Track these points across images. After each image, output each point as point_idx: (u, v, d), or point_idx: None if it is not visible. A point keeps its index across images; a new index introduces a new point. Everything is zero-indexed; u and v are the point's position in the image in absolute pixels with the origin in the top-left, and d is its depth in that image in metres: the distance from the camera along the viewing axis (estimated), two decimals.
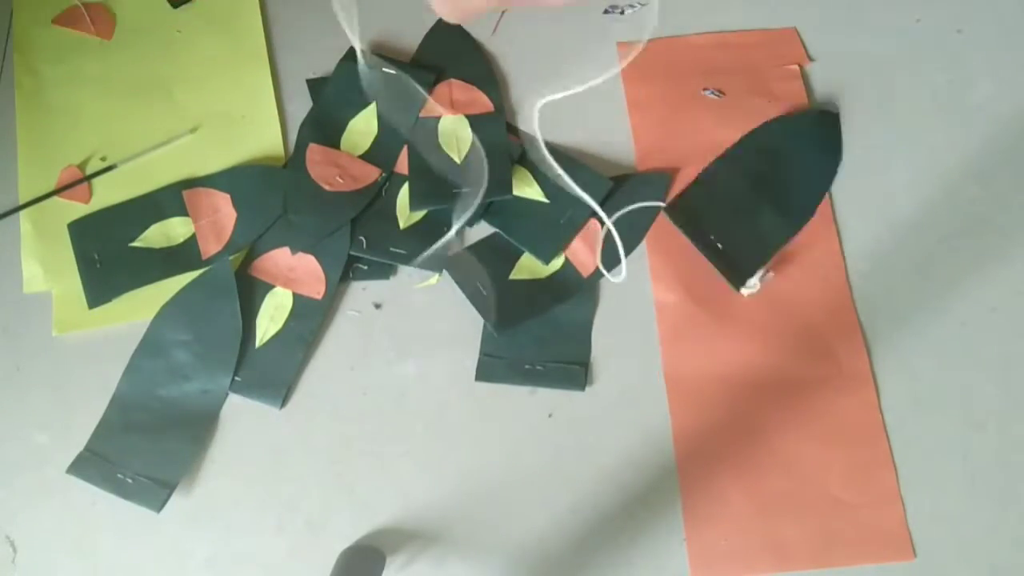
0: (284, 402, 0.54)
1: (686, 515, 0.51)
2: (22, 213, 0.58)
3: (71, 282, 0.56)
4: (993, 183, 0.57)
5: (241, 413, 0.54)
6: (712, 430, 0.53)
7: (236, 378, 0.54)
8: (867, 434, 0.52)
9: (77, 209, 0.58)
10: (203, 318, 0.55)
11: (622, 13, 0.60)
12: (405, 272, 0.56)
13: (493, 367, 0.54)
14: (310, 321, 0.55)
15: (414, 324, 0.55)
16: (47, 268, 0.57)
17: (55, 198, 0.58)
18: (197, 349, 0.54)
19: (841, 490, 0.51)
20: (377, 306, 0.56)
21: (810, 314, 0.55)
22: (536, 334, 0.54)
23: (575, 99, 0.57)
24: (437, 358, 0.54)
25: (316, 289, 0.55)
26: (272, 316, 0.55)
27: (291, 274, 0.56)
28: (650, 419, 0.53)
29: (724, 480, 0.52)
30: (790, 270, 0.55)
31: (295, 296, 0.55)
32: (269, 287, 0.56)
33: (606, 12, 0.61)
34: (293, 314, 0.55)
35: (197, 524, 0.52)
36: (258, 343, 0.55)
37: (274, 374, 0.54)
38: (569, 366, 0.54)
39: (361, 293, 0.56)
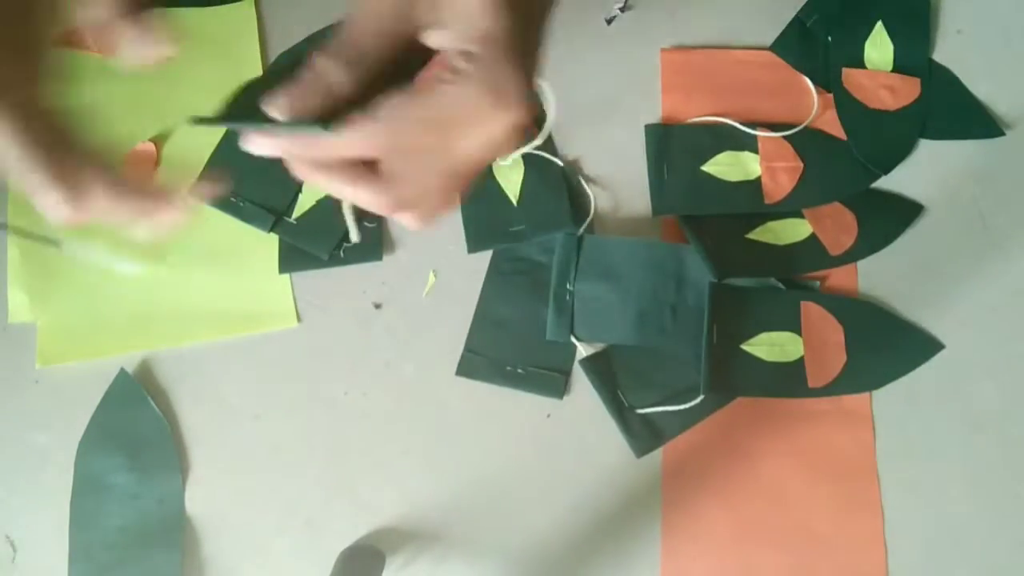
0: (330, 254, 0.55)
1: (664, 530, 0.51)
2: (9, 240, 0.56)
3: (56, 313, 0.55)
4: (993, 183, 0.57)
5: (240, 414, 0.54)
6: (702, 448, 0.53)
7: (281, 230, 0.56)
8: (858, 473, 0.52)
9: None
10: (126, 433, 0.53)
11: (623, 10, 0.60)
12: (404, 271, 0.56)
13: (474, 364, 0.54)
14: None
15: (414, 324, 0.55)
16: (33, 298, 0.55)
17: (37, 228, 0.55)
18: (134, 465, 0.52)
19: (824, 526, 0.51)
20: (377, 306, 0.55)
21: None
22: (523, 337, 0.54)
23: (607, 107, 0.58)
24: (437, 358, 0.54)
25: None
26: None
27: None
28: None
29: (707, 499, 0.52)
30: None
31: None
32: None
33: (608, 23, 0.60)
34: None
35: (197, 524, 0.52)
36: (297, 213, 0.56)
37: (321, 232, 0.56)
38: (550, 373, 0.54)
39: (361, 295, 0.56)
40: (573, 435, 0.53)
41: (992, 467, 0.52)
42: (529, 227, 0.55)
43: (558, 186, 0.56)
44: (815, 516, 0.51)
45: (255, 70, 0.60)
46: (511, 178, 0.57)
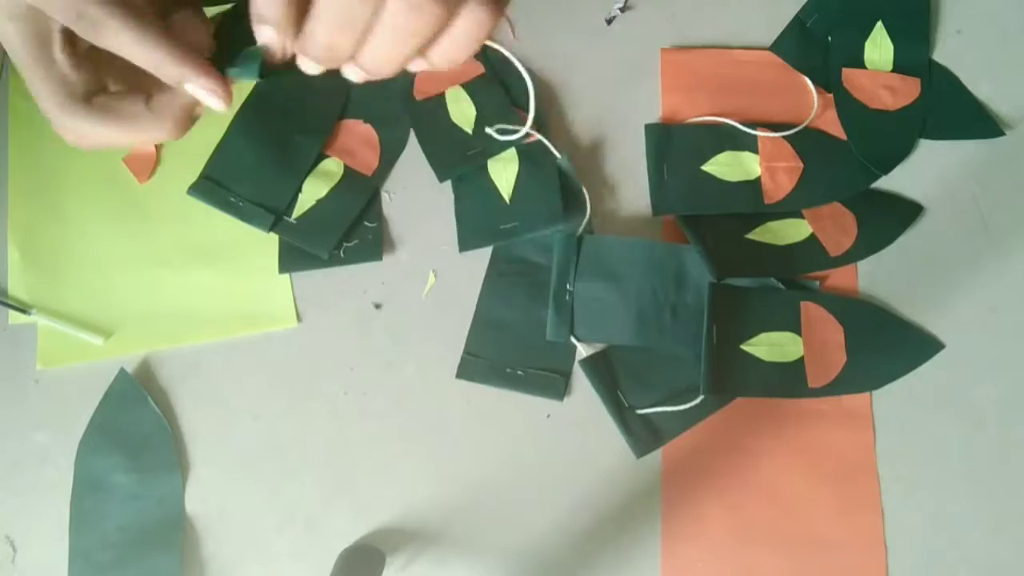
0: (330, 254, 0.55)
1: (665, 531, 0.51)
2: (10, 241, 0.56)
3: (56, 314, 0.55)
4: (993, 183, 0.57)
5: (240, 414, 0.54)
6: (702, 448, 0.53)
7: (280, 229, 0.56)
8: (858, 473, 0.52)
9: (59, 241, 0.56)
10: (126, 433, 0.53)
11: (623, 10, 0.60)
12: (404, 271, 0.56)
13: (474, 366, 0.54)
14: (357, 196, 0.56)
15: (414, 324, 0.55)
16: (33, 298, 0.55)
17: (37, 229, 0.57)
18: (134, 465, 0.52)
19: (824, 526, 0.51)
20: (377, 306, 0.55)
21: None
22: (522, 338, 0.54)
23: (607, 107, 0.58)
24: (437, 358, 0.54)
25: (368, 164, 0.57)
26: (317, 184, 0.57)
27: (346, 141, 0.58)
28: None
29: (708, 500, 0.52)
30: None
31: (345, 167, 0.57)
32: (323, 156, 0.57)
33: (608, 23, 0.60)
34: (341, 184, 0.57)
35: (197, 524, 0.52)
36: (297, 212, 0.56)
37: (321, 232, 0.55)
38: (550, 375, 0.54)
39: (361, 295, 0.56)
40: (573, 436, 0.53)
41: (992, 467, 0.52)
42: (521, 225, 0.55)
43: (552, 183, 0.56)
44: (815, 516, 0.51)
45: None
46: (505, 175, 0.57)
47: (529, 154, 0.57)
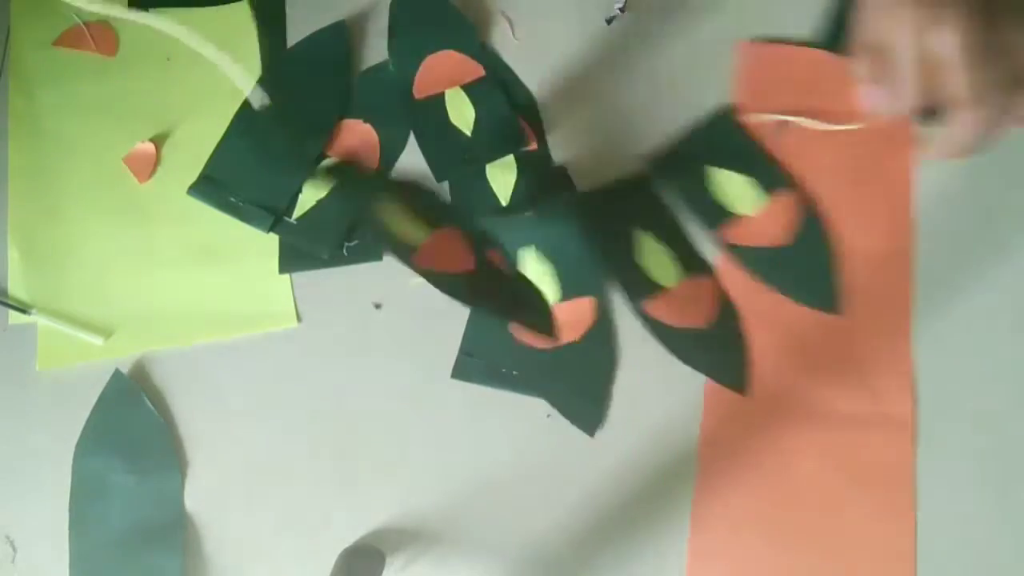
0: (330, 254, 0.55)
1: (693, 529, 0.51)
2: (10, 241, 0.57)
3: (56, 314, 0.55)
4: (993, 183, 0.57)
5: (240, 414, 0.54)
6: (738, 444, 0.52)
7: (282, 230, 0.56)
8: (893, 480, 0.51)
9: (59, 241, 0.57)
10: (124, 434, 0.53)
11: (623, 10, 0.60)
12: (404, 270, 0.56)
13: (470, 367, 0.54)
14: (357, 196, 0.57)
15: (414, 324, 0.55)
16: (33, 298, 0.56)
17: (37, 229, 0.57)
18: (133, 467, 0.52)
19: (855, 534, 0.50)
20: (377, 306, 0.55)
21: (860, 338, 0.53)
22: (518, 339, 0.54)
23: (607, 106, 0.57)
24: (437, 358, 0.54)
25: (368, 164, 0.57)
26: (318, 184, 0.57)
27: (346, 141, 0.58)
28: (669, 422, 0.53)
29: (739, 499, 0.51)
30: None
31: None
32: (323, 156, 0.57)
33: (608, 23, 0.60)
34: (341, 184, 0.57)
35: (197, 524, 0.52)
36: (297, 213, 0.56)
37: (321, 232, 0.55)
38: None
39: (361, 295, 0.56)
40: (573, 436, 0.53)
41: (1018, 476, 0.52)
42: None
43: (550, 191, 0.56)
44: (846, 520, 0.50)
45: (254, 70, 0.60)
46: (503, 182, 0.56)
47: (528, 162, 0.57)
